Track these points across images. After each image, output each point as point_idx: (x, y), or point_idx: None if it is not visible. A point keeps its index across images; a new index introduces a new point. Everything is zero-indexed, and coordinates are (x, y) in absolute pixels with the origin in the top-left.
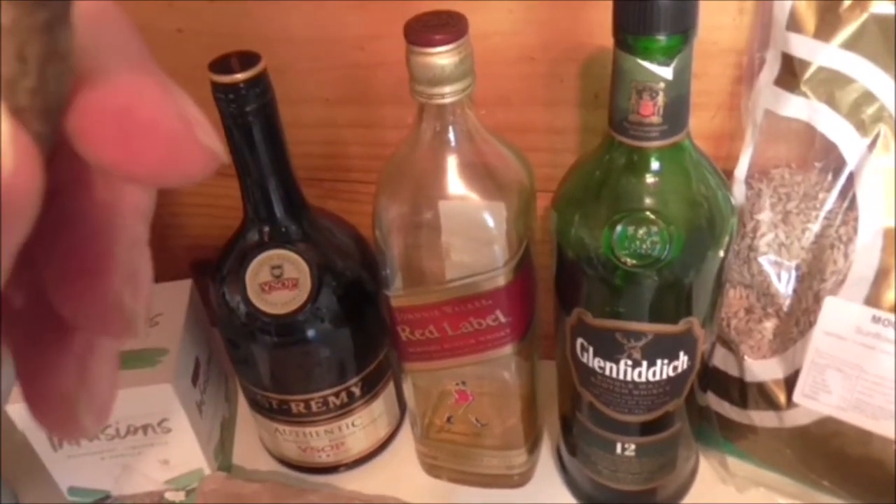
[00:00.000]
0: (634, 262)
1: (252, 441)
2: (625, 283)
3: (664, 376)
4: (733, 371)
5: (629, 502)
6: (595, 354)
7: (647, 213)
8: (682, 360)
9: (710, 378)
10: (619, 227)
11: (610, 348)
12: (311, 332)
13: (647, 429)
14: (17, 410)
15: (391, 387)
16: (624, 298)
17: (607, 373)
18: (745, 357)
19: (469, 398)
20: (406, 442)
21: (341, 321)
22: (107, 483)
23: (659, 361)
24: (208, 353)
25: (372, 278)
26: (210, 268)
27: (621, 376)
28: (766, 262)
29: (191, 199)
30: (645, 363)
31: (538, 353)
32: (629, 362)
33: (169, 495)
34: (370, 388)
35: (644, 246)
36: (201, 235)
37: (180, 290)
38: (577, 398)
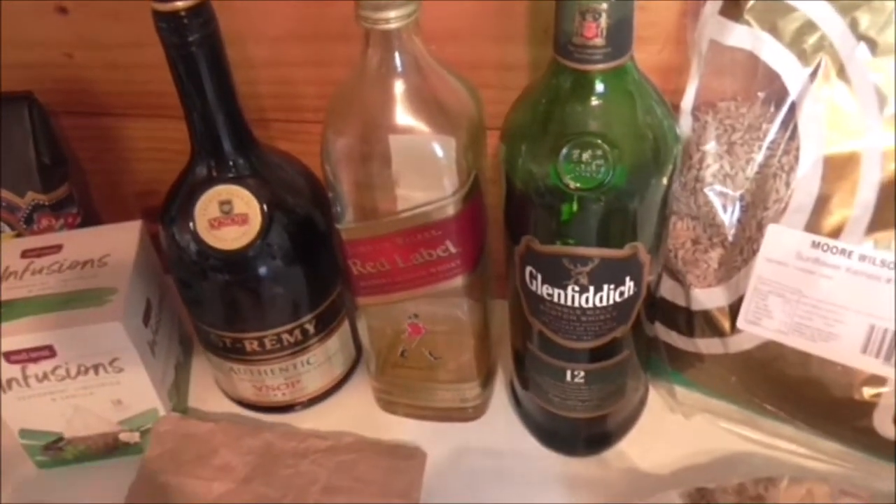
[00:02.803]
0: (579, 185)
1: (208, 384)
2: (570, 209)
3: (610, 301)
4: (680, 301)
5: (580, 432)
6: (543, 282)
7: (592, 136)
8: (629, 286)
9: (658, 309)
10: (563, 151)
11: (557, 274)
12: (261, 269)
13: (595, 355)
14: None
15: (346, 326)
16: (570, 224)
17: (555, 299)
18: (692, 286)
19: (421, 331)
20: (362, 381)
21: (292, 258)
22: (59, 425)
23: (605, 287)
24: (160, 296)
25: (324, 217)
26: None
27: (569, 302)
28: (711, 193)
29: (140, 144)
30: (592, 288)
31: (490, 292)
32: (576, 288)
33: (123, 436)
34: (324, 327)
35: (588, 169)
36: (152, 181)
37: (129, 232)
38: (528, 328)
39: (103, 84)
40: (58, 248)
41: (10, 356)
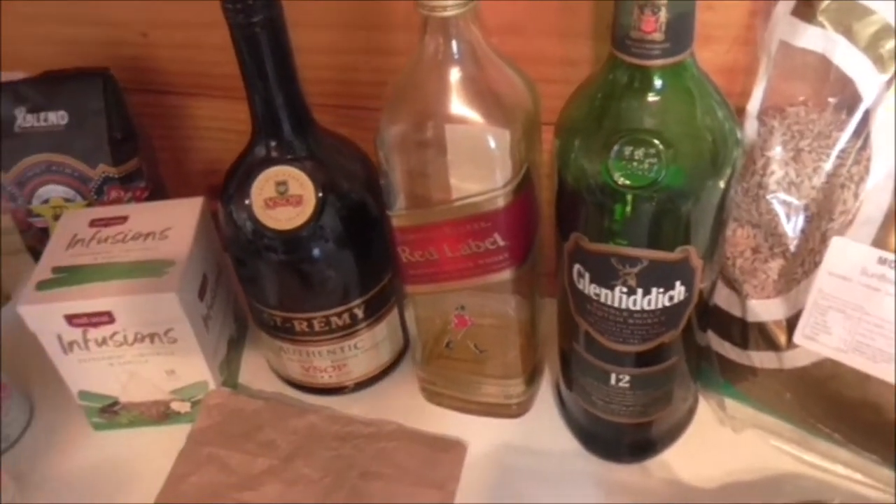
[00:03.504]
0: (629, 183)
1: (259, 364)
2: (621, 208)
3: (659, 305)
4: (736, 311)
5: (623, 437)
6: (591, 281)
7: (645, 133)
8: (679, 291)
9: (712, 318)
10: (616, 147)
11: (605, 274)
12: (313, 251)
13: (641, 360)
14: (30, 312)
15: (395, 314)
16: (619, 223)
17: (602, 300)
18: (749, 297)
19: (467, 323)
20: (408, 370)
21: (344, 242)
22: (115, 389)
23: (654, 290)
24: (217, 272)
25: (378, 203)
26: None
27: (616, 303)
28: (775, 200)
29: (205, 123)
30: (640, 291)
31: (540, 290)
32: (624, 289)
33: (175, 405)
34: (373, 312)
35: (640, 167)
36: (216, 160)
37: (191, 207)
38: (574, 328)
39: (174, 63)
40: (124, 219)
41: (72, 319)
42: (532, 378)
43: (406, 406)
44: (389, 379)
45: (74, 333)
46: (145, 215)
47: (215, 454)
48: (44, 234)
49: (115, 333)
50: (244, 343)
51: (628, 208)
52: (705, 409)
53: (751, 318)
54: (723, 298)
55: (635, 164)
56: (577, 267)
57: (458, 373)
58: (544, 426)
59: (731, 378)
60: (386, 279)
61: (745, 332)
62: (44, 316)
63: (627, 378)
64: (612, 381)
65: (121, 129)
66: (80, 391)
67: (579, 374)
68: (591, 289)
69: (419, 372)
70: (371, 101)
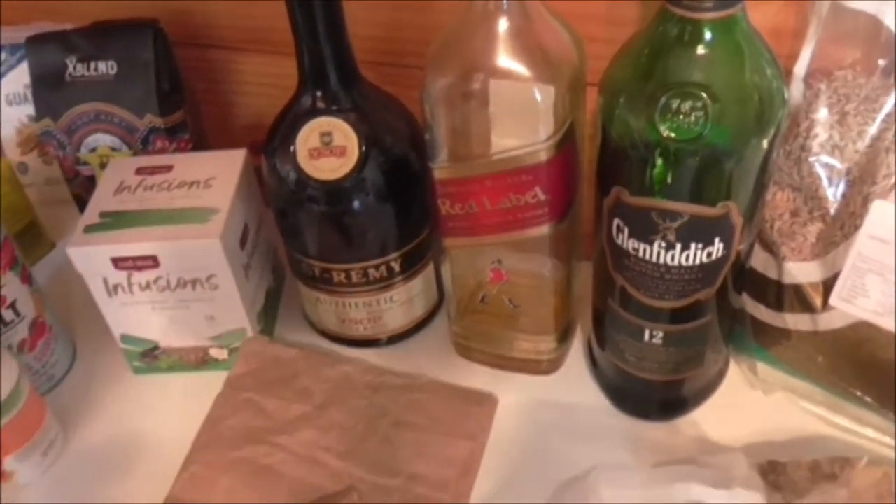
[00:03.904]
0: (675, 136)
1: (294, 316)
2: (664, 162)
3: (697, 262)
4: (772, 273)
5: (654, 395)
6: (630, 235)
7: (693, 86)
8: (717, 248)
9: (748, 281)
10: (662, 100)
11: (645, 228)
12: (354, 202)
13: (676, 316)
14: (78, 254)
15: (430, 269)
16: (662, 178)
17: (640, 255)
18: (786, 259)
19: (503, 277)
20: (441, 326)
21: (385, 195)
22: (156, 334)
23: (693, 245)
24: (257, 224)
25: (419, 159)
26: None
27: (654, 258)
28: (817, 163)
29: (250, 78)
30: (678, 246)
31: (577, 253)
32: (663, 244)
33: (213, 352)
34: (409, 267)
35: (686, 121)
36: (259, 115)
37: (234, 158)
38: (610, 284)
39: (222, 17)
40: (169, 168)
41: (118, 262)
42: (564, 336)
43: (438, 360)
44: (422, 334)
45: (119, 276)
46: (190, 165)
47: (252, 399)
48: (90, 183)
49: (158, 278)
50: (281, 296)
51: (672, 163)
52: (735, 373)
53: (787, 280)
54: (759, 261)
55: (681, 117)
56: (616, 222)
57: (491, 328)
58: (574, 384)
59: (763, 341)
60: (423, 235)
61: (781, 295)
62: (91, 258)
63: (661, 335)
64: (646, 337)
65: (168, 80)
66: (122, 334)
67: (613, 331)
68: (629, 243)
69: (452, 326)
70: (415, 58)
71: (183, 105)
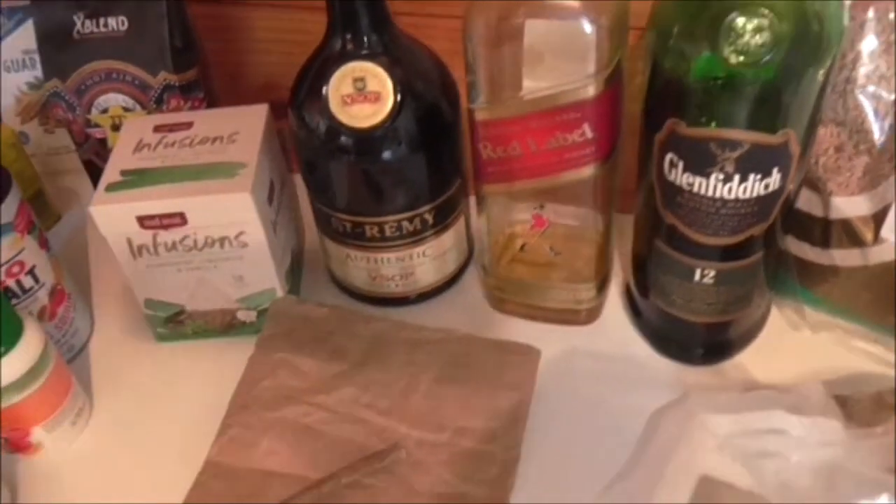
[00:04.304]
0: (740, 59)
1: (318, 277)
2: (725, 87)
3: (754, 194)
4: (817, 211)
5: (699, 339)
6: (685, 169)
7: (759, 5)
8: (775, 179)
9: (793, 221)
10: (728, 20)
11: (702, 161)
12: (389, 151)
13: (728, 254)
14: (101, 213)
15: (462, 223)
16: (722, 104)
17: (695, 189)
18: (832, 195)
19: (545, 224)
20: (472, 281)
21: (419, 144)
22: (182, 297)
23: (751, 176)
24: (281, 182)
25: (451, 107)
26: (284, 107)
27: (709, 192)
28: (863, 95)
29: (262, 35)
30: (737, 178)
31: (616, 204)
32: (720, 176)
33: (241, 314)
34: (442, 219)
35: (751, 43)
36: (273, 73)
37: (256, 113)
38: (659, 225)
39: None
40: (188, 124)
41: (143, 221)
42: (602, 285)
43: (471, 316)
44: (453, 290)
45: (145, 237)
46: (210, 121)
47: (286, 359)
48: (101, 146)
49: (185, 237)
50: (303, 259)
51: (733, 90)
52: (777, 317)
53: (834, 216)
54: (803, 201)
55: (746, 38)
56: (669, 157)
57: (529, 277)
58: (613, 333)
59: (808, 282)
60: (455, 187)
61: (828, 231)
62: (115, 217)
63: (712, 274)
64: (697, 277)
65: (181, 37)
66: (146, 299)
67: (660, 274)
68: (683, 178)
69: (487, 279)
70: (440, 7)
71: (196, 62)
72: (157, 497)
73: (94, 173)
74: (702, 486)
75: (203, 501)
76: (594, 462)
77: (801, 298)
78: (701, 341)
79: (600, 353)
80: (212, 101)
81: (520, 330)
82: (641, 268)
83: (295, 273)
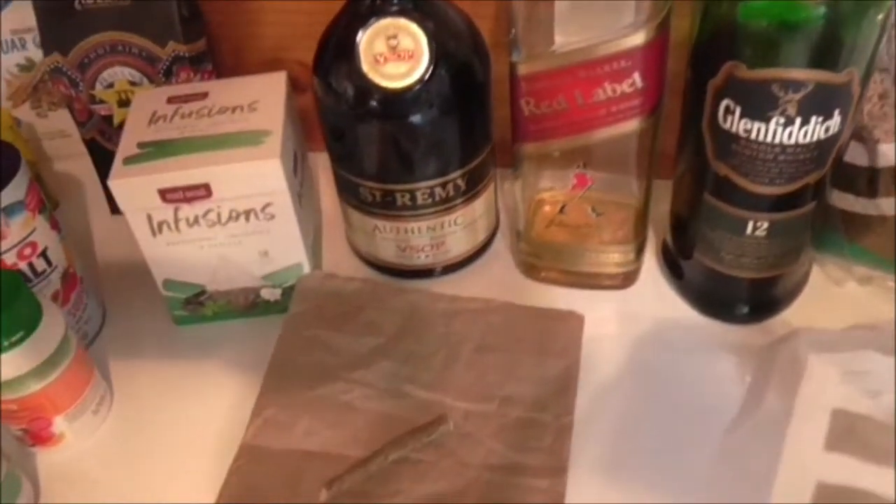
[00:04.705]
0: None
1: (339, 256)
2: (791, 24)
3: (814, 138)
4: (862, 161)
5: (746, 296)
6: (742, 115)
7: None
8: (835, 121)
9: (839, 173)
10: None
11: (762, 104)
12: (422, 112)
13: (782, 204)
14: (121, 187)
15: (491, 190)
16: (787, 43)
17: (753, 136)
18: (879, 142)
19: (588, 183)
20: (502, 250)
21: (452, 105)
22: (203, 276)
23: (813, 119)
24: (302, 156)
25: (482, 66)
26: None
27: (769, 138)
28: None
29: (270, 7)
30: (798, 121)
31: (657, 159)
32: (781, 120)
33: (265, 293)
34: (473, 185)
35: None
36: (280, 48)
37: (275, 81)
38: (708, 177)
39: None
40: (203, 95)
41: (166, 194)
42: (640, 248)
43: (503, 285)
44: (482, 261)
45: (166, 212)
46: (226, 90)
47: (318, 336)
48: (107, 123)
49: (208, 211)
50: (321, 238)
51: (796, 28)
52: (819, 275)
53: (882, 164)
54: (849, 152)
55: None
56: (725, 103)
57: (566, 241)
58: (651, 297)
59: (854, 234)
60: (486, 151)
61: (875, 180)
62: (136, 190)
63: (766, 225)
64: (749, 230)
65: (188, 5)
66: (165, 280)
67: (708, 230)
68: (740, 125)
69: (520, 244)
70: None
71: (205, 33)
72: (187, 487)
73: (98, 153)
74: (837, 419)
75: (242, 486)
76: (649, 426)
77: (847, 252)
78: (747, 299)
79: (642, 316)
80: (220, 76)
81: (554, 297)
82: (683, 228)
83: (318, 249)
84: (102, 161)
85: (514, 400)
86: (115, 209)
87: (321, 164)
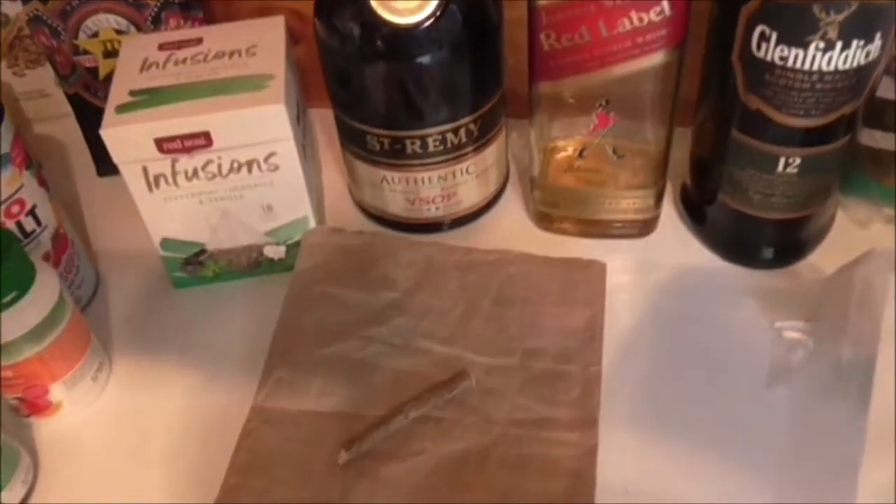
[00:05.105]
0: None
1: (341, 213)
2: None
3: (854, 64)
4: (891, 95)
5: (771, 240)
6: (779, 42)
7: None
8: (876, 45)
9: (868, 109)
10: None
11: (801, 28)
12: (434, 50)
13: (816, 138)
14: (115, 136)
15: (503, 138)
16: None
17: (790, 63)
18: None
19: (609, 122)
20: (513, 202)
21: (464, 45)
22: (203, 234)
23: (854, 43)
24: (303, 107)
25: (496, 6)
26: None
27: (806, 65)
28: None
29: None
30: (839, 45)
31: (680, 99)
32: (820, 45)
33: (268, 250)
34: (485, 131)
35: None
36: None
37: (273, 26)
38: (737, 113)
39: None
40: (197, 41)
41: (163, 144)
42: (660, 195)
43: (516, 237)
44: (493, 213)
45: (163, 164)
46: (221, 35)
47: (328, 292)
48: (92, 76)
49: (208, 163)
50: (323, 196)
51: None
52: (843, 219)
53: None
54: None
55: None
56: (760, 29)
57: (584, 187)
58: (672, 245)
59: (880, 174)
60: (498, 96)
61: None
62: (131, 140)
63: (798, 161)
64: (780, 167)
65: None
66: (163, 239)
67: (736, 170)
68: (776, 53)
69: (535, 193)
70: None
71: None
72: (194, 456)
73: (83, 109)
74: None
75: (256, 450)
76: (679, 375)
77: (874, 193)
78: (772, 242)
79: (661, 265)
80: (209, 25)
81: (571, 248)
82: (706, 171)
83: (320, 209)
84: (88, 118)
85: (538, 352)
86: (102, 171)
87: (318, 121)
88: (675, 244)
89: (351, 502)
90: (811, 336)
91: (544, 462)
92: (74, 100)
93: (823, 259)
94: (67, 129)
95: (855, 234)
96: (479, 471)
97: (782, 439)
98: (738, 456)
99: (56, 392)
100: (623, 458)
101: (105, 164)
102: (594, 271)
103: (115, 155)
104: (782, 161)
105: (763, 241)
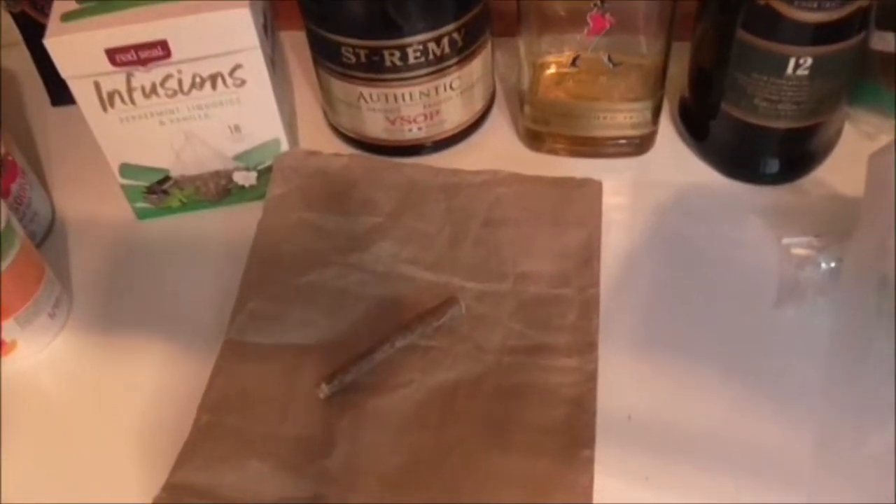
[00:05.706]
0: None
1: (316, 137)
2: None
3: None
4: None
5: (776, 152)
6: None
7: None
8: None
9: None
10: None
11: None
12: None
13: (828, 35)
14: (60, 46)
15: (488, 51)
16: None
17: None
18: None
19: (605, 25)
20: (499, 125)
21: None
22: (167, 159)
23: None
24: (272, 22)
25: None
26: None
27: None
28: None
29: None
30: None
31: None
32: None
33: (238, 177)
34: (470, 41)
35: None
36: None
37: None
38: (743, 11)
39: None
40: None
41: (115, 55)
42: (658, 109)
43: (505, 158)
44: (479, 134)
45: (116, 80)
46: None
47: (304, 218)
48: None
49: (167, 77)
50: (296, 122)
51: None
52: (850, 132)
53: None
54: None
55: None
56: None
57: (577, 101)
58: (671, 162)
59: (890, 80)
60: (482, 2)
61: None
62: (79, 51)
63: (809, 62)
64: (790, 69)
65: None
66: (122, 165)
67: (741, 75)
68: None
69: (525, 110)
70: None
71: None
72: (161, 398)
73: (30, 29)
74: None
75: (229, 388)
76: (681, 296)
77: (884, 101)
78: (778, 154)
79: (660, 183)
80: None
81: (563, 169)
82: (708, 81)
83: (293, 133)
84: (37, 38)
85: (532, 276)
86: (57, 99)
87: (288, 44)
88: (674, 162)
89: (335, 437)
90: (820, 252)
91: (541, 390)
92: (20, 19)
93: (830, 174)
94: (18, 57)
95: (863, 146)
96: (472, 401)
97: (793, 362)
98: (745, 380)
99: (9, 330)
100: (625, 384)
101: (59, 92)
102: (589, 190)
103: (63, 69)
104: (792, 62)
105: (768, 154)
